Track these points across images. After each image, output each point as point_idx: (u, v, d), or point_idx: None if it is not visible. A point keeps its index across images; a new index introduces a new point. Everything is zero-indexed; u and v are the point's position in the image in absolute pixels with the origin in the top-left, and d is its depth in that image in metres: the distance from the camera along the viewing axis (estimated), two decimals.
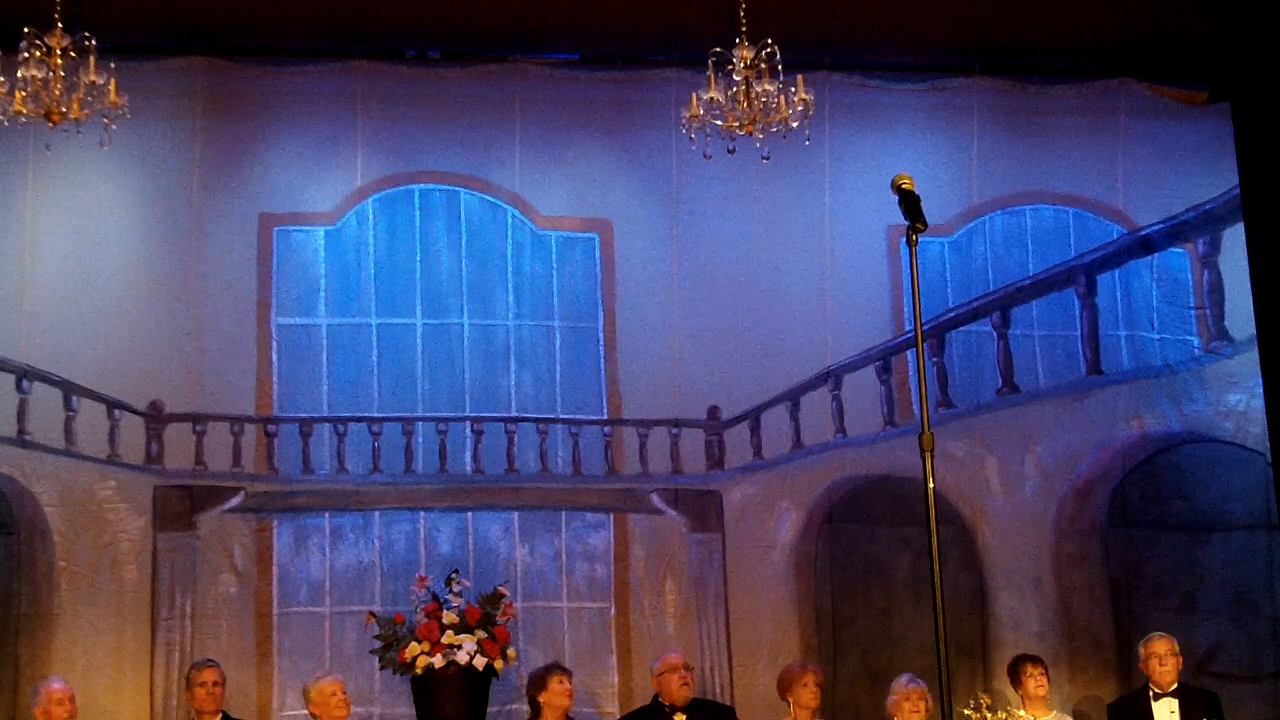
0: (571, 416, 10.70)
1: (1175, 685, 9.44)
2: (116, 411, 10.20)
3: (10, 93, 8.40)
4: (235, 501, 10.25)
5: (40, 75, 8.35)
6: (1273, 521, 10.74)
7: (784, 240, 10.99)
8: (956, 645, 10.31)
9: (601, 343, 10.78)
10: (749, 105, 8.75)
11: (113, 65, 8.59)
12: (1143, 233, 11.27)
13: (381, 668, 9.60)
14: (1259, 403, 10.30)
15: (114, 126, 8.55)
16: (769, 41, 8.69)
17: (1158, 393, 11.03)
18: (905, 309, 10.96)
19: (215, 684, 9.08)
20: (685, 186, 10.90)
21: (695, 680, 9.67)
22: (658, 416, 10.71)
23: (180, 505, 10.16)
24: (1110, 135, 11.41)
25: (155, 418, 10.24)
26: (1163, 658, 9.42)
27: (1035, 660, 9.68)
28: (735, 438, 10.75)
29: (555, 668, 9.38)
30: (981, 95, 11.26)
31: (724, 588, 10.60)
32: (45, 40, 8.37)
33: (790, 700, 9.47)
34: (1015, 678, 9.66)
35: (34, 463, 10.04)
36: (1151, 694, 9.45)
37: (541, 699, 9.25)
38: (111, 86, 8.47)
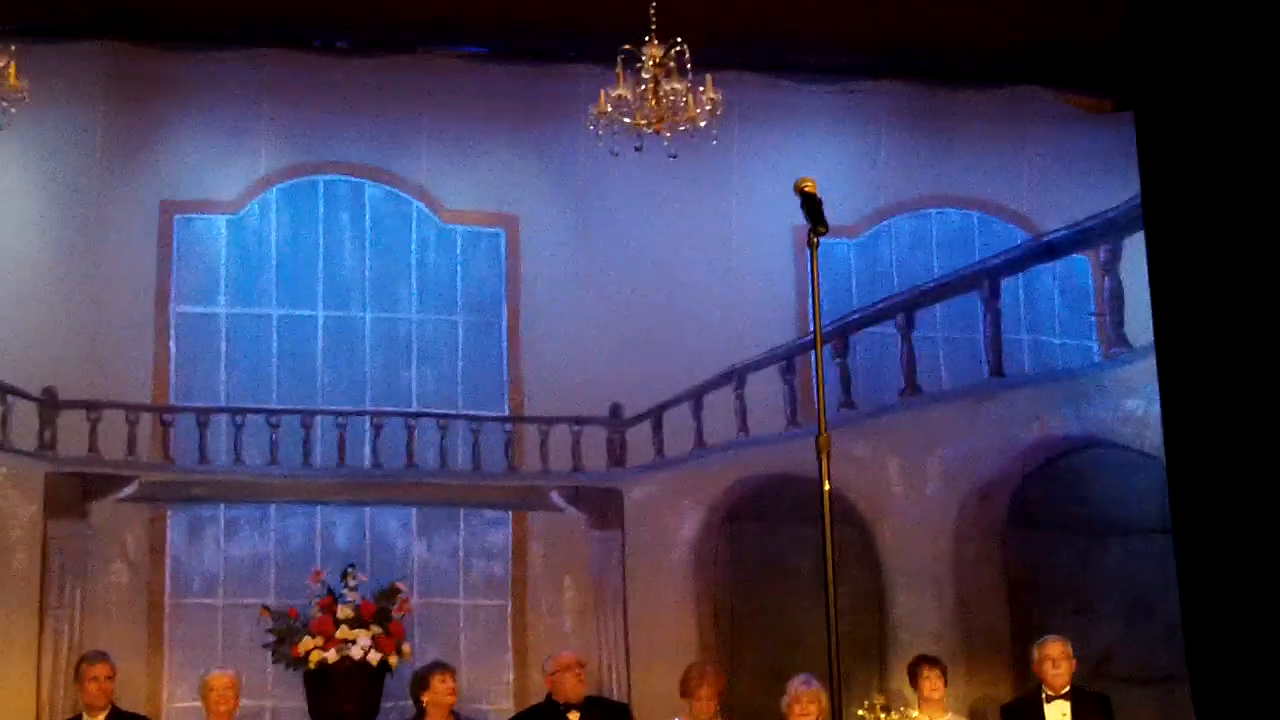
0: (472, 412, 10.65)
1: (1068, 688, 9.49)
2: (9, 397, 10.05)
3: None
4: (129, 490, 10.13)
5: None
6: (1169, 526, 10.82)
7: (690, 239, 10.99)
8: (856, 645, 10.33)
9: (505, 338, 10.74)
10: (657, 103, 8.74)
11: (13, 48, 8.47)
12: (1046, 238, 11.35)
13: (275, 661, 9.54)
14: (1157, 409, 10.38)
15: (13, 110, 8.44)
16: (678, 40, 8.68)
17: (1059, 397, 11.11)
18: (810, 309, 10.96)
19: (107, 678, 8.94)
20: (593, 183, 10.86)
21: (592, 677, 9.65)
22: (560, 413, 10.69)
23: (72, 493, 10.03)
24: (1016, 141, 11.50)
25: (49, 404, 10.09)
26: (1056, 660, 9.45)
27: (933, 662, 9.68)
28: (637, 435, 10.75)
29: (437, 666, 9.27)
30: (890, 99, 11.31)
31: (623, 585, 10.59)
32: None
33: (688, 703, 9.45)
34: (914, 678, 9.69)
35: None
36: (1044, 696, 9.49)
37: (425, 699, 9.11)
38: (11, 70, 8.36)
